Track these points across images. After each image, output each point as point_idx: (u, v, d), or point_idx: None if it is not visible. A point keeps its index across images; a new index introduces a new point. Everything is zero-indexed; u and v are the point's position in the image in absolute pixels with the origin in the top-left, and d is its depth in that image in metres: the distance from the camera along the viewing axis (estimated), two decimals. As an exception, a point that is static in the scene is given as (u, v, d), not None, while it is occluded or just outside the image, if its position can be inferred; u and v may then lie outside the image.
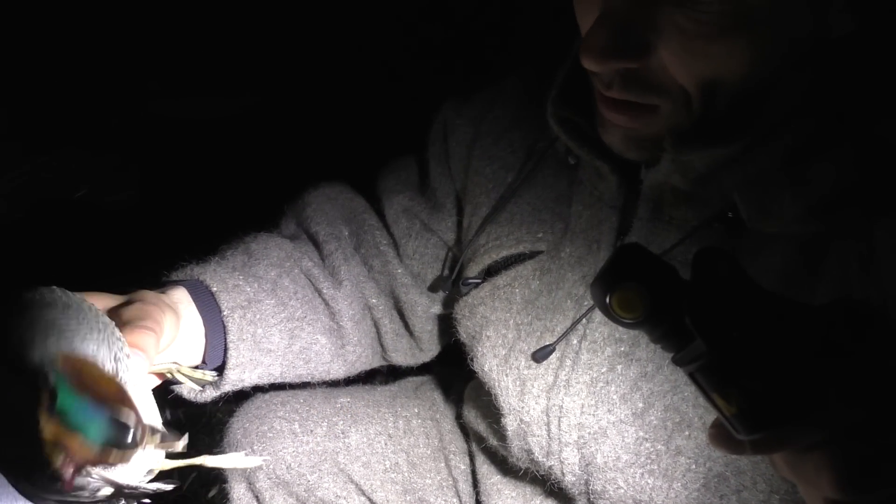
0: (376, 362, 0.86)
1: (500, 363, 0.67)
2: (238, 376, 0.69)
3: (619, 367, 0.60)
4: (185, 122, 2.01)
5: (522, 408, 0.65)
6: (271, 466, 0.79)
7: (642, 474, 0.59)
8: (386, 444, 0.85)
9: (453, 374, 0.89)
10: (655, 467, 0.58)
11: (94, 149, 2.00)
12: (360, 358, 0.82)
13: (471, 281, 0.70)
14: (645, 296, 0.34)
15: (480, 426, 0.78)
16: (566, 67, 0.61)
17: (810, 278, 0.52)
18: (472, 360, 0.72)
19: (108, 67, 2.09)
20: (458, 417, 0.87)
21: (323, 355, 0.77)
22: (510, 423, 0.68)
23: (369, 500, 0.83)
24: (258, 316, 0.70)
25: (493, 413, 0.71)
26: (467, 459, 0.86)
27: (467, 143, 0.76)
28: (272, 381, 0.75)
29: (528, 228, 0.68)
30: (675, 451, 0.57)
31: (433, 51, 1.75)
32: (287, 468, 0.79)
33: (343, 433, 0.83)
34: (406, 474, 0.85)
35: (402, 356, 0.86)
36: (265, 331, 0.70)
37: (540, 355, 0.62)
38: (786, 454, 0.32)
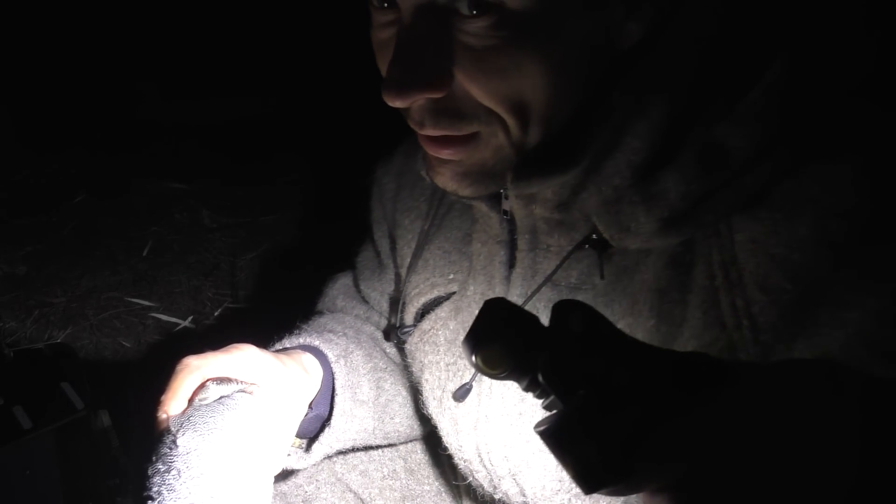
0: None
1: (437, 405, 0.68)
2: (342, 425, 0.70)
3: (529, 396, 0.60)
4: (178, 127, 2.00)
5: (461, 446, 0.67)
6: (268, 478, 0.79)
7: (569, 499, 0.59)
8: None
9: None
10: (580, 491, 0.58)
11: (92, 153, 2.00)
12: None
13: (406, 329, 0.73)
14: (506, 354, 0.36)
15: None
16: None
17: (682, 292, 0.51)
18: (421, 404, 0.73)
19: (104, 72, 2.08)
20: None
21: (406, 409, 0.79)
22: (458, 462, 0.70)
23: (368, 508, 0.83)
24: (353, 365, 0.73)
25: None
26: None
27: (392, 198, 0.78)
28: (365, 440, 0.76)
29: (441, 272, 0.70)
30: None
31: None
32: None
33: (340, 442, 0.83)
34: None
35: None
36: (358, 380, 0.73)
37: (459, 394, 0.63)
38: (643, 496, 0.32)
